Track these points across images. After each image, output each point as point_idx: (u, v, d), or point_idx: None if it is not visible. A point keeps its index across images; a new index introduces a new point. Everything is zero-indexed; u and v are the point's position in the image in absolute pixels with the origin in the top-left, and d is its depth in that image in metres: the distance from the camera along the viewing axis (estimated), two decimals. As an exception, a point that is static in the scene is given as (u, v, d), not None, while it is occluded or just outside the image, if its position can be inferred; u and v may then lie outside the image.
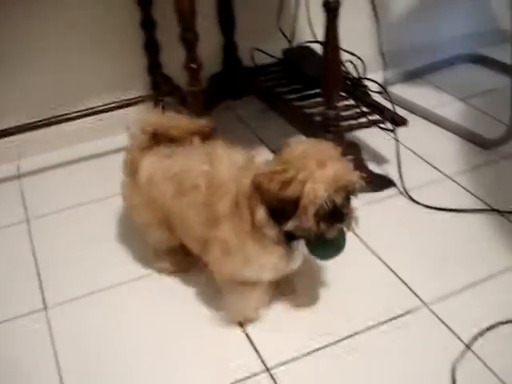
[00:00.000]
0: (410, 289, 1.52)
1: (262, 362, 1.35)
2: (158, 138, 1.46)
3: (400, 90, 2.40)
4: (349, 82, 2.03)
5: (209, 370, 1.34)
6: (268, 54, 2.21)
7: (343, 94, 1.99)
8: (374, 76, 2.28)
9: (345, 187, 1.19)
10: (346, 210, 1.22)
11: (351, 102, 1.96)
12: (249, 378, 1.32)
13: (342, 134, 1.71)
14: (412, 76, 2.55)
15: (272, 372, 1.32)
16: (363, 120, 1.84)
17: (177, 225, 1.43)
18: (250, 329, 1.43)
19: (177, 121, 1.46)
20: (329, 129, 1.66)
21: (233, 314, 1.43)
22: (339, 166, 1.20)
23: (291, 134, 1.81)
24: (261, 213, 1.24)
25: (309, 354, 1.36)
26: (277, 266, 1.32)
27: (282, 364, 1.34)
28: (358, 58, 2.17)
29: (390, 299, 1.49)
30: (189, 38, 1.68)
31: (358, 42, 2.24)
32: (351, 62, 2.16)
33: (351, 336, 1.40)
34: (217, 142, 1.44)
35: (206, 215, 1.33)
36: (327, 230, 1.22)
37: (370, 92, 2.06)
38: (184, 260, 1.56)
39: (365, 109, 1.90)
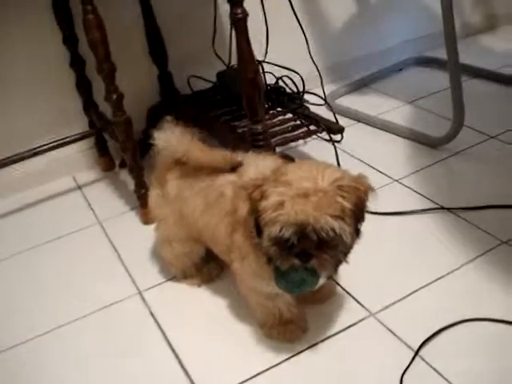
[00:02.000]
0: (355, 299, 1.44)
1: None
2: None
3: (347, 101, 2.37)
4: (285, 97, 1.98)
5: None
6: (204, 79, 2.17)
7: (280, 109, 1.95)
8: (320, 90, 2.25)
9: (301, 226, 1.06)
10: (309, 250, 1.09)
11: (289, 116, 1.91)
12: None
13: (272, 147, 1.65)
14: (359, 86, 2.51)
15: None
16: (299, 132, 1.78)
17: (207, 237, 1.39)
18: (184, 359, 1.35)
19: (203, 155, 1.35)
20: (257, 144, 1.60)
21: (259, 323, 1.38)
22: (312, 205, 1.06)
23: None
24: (251, 221, 1.17)
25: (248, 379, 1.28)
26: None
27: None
28: (296, 72, 2.14)
29: (338, 312, 1.41)
30: (105, 69, 1.63)
31: (299, 59, 2.21)
32: (289, 77, 2.13)
33: (302, 352, 1.32)
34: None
35: (230, 222, 1.27)
36: (278, 260, 1.12)
37: (309, 105, 2.02)
38: (211, 269, 1.56)
39: (303, 121, 1.84)
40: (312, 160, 1.24)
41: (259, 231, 1.14)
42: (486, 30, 2.91)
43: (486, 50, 2.71)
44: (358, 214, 1.13)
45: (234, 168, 1.32)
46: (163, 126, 1.38)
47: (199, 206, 1.36)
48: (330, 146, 1.98)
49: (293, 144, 2.00)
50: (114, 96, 1.67)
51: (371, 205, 1.17)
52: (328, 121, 1.84)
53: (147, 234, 1.76)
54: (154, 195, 1.50)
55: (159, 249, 1.57)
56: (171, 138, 1.37)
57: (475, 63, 2.45)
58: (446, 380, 1.21)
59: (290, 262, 1.11)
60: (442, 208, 1.70)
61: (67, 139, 1.98)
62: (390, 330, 1.34)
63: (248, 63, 1.51)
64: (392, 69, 2.60)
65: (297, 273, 1.12)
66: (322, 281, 1.19)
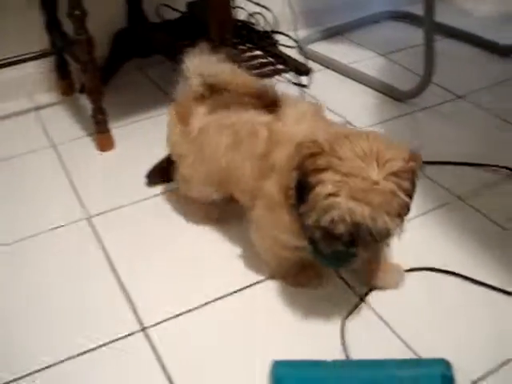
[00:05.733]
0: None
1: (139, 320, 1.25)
2: (215, 88, 1.29)
3: (320, 47, 2.32)
4: (255, 35, 1.93)
5: (83, 329, 1.24)
6: (173, 9, 2.10)
7: (249, 45, 1.90)
8: (292, 33, 2.20)
9: (356, 226, 0.99)
10: (353, 247, 1.04)
11: (257, 53, 1.86)
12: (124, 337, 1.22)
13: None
14: (333, 33, 2.46)
15: (147, 331, 1.23)
16: (265, 69, 1.74)
17: (229, 177, 1.29)
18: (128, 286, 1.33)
19: (235, 76, 1.26)
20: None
21: (271, 272, 1.34)
22: (370, 205, 0.97)
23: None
24: (293, 179, 1.08)
25: (185, 313, 1.27)
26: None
27: (158, 323, 1.25)
28: (269, 10, 2.08)
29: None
30: (69, -18, 1.55)
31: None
32: (261, 14, 2.07)
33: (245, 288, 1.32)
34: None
35: (260, 166, 1.19)
36: (321, 243, 1.06)
37: (279, 45, 1.97)
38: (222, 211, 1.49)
39: (271, 59, 1.80)
40: (362, 131, 1.12)
41: (300, 196, 1.06)
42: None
43: (464, 12, 2.68)
44: (413, 193, 1.07)
45: (270, 106, 1.23)
46: (194, 51, 1.30)
47: (225, 142, 1.27)
48: (297, 89, 1.95)
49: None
50: (77, 12, 1.59)
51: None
52: (296, 61, 1.81)
53: (102, 161, 1.72)
54: (174, 133, 1.40)
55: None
56: (203, 62, 1.29)
57: (451, 23, 2.42)
58: (388, 325, 1.21)
59: (334, 247, 1.05)
60: (402, 160, 1.69)
61: (24, 56, 1.89)
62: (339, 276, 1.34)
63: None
64: (367, 20, 2.55)
65: (337, 252, 1.07)
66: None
